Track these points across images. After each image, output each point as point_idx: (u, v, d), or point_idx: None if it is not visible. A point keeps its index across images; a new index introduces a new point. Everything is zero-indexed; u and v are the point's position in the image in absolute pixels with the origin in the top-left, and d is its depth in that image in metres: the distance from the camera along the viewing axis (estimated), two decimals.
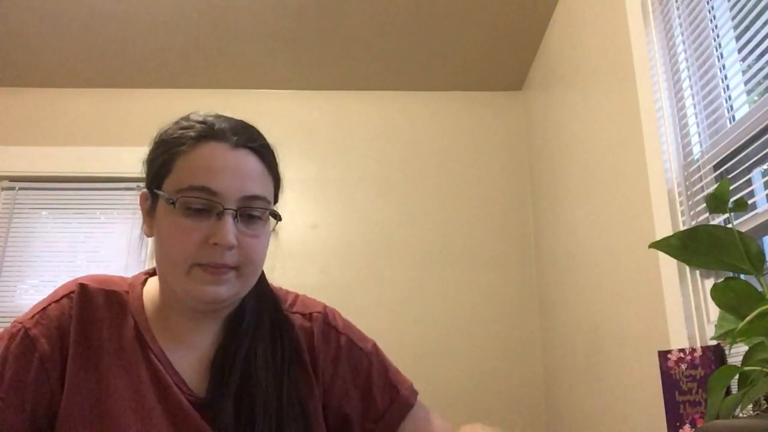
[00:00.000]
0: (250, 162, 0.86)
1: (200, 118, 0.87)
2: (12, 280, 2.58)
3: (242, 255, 0.83)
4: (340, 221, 2.69)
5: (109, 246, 2.62)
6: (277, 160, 0.93)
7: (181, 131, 0.86)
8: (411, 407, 0.97)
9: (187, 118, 0.88)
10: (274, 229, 0.92)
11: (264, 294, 0.94)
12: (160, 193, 0.84)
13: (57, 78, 2.74)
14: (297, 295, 1.00)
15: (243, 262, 0.84)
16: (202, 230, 0.81)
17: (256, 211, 0.85)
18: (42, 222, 2.69)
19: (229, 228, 0.81)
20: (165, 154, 0.85)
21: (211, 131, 0.85)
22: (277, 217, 0.90)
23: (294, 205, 2.72)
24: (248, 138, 0.87)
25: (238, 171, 0.84)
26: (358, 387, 0.94)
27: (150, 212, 0.87)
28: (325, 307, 1.00)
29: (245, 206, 0.84)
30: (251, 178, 0.85)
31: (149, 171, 0.88)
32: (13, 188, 2.68)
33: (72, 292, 0.88)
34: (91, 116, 2.77)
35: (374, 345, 0.99)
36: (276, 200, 0.93)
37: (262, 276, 0.95)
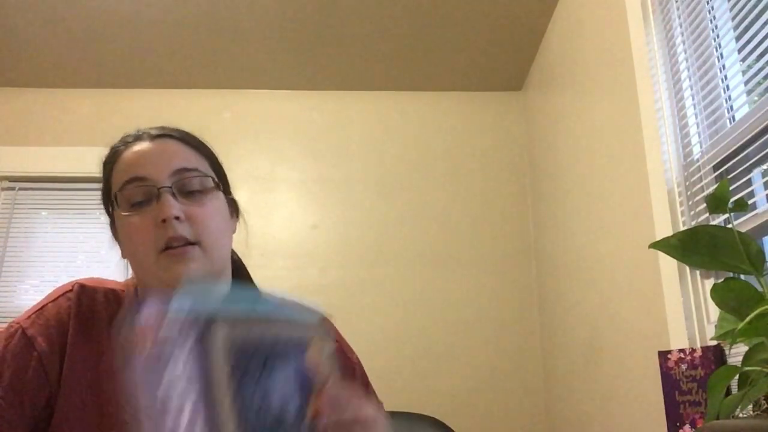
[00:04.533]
0: (171, 145, 0.90)
1: (125, 134, 0.92)
2: (12, 280, 2.58)
3: (195, 226, 0.85)
4: (340, 221, 2.69)
5: (109, 246, 2.62)
6: (207, 146, 0.95)
7: (113, 149, 0.91)
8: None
9: (118, 140, 0.93)
10: (238, 217, 0.96)
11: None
12: (110, 209, 0.89)
13: (57, 78, 2.74)
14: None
15: (200, 233, 0.85)
16: (149, 217, 0.84)
17: (192, 181, 0.88)
18: (42, 222, 2.69)
19: (170, 202, 0.84)
20: (105, 174, 0.91)
21: (132, 137, 0.91)
22: (221, 189, 0.92)
23: (294, 205, 2.72)
24: (165, 129, 0.91)
25: (160, 153, 0.88)
26: None
27: (115, 232, 0.91)
28: None
29: (178, 180, 0.86)
30: (176, 155, 0.88)
31: (102, 197, 0.92)
32: (13, 188, 2.68)
33: (69, 291, 0.89)
34: (91, 116, 2.77)
35: (359, 360, 1.02)
36: (222, 183, 0.94)
37: (245, 275, 0.97)
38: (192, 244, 0.84)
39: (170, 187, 0.85)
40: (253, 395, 0.68)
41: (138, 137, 0.90)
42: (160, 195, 0.84)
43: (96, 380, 0.84)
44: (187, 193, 0.87)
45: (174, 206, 0.83)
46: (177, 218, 0.83)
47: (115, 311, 0.90)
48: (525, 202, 2.73)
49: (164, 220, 0.82)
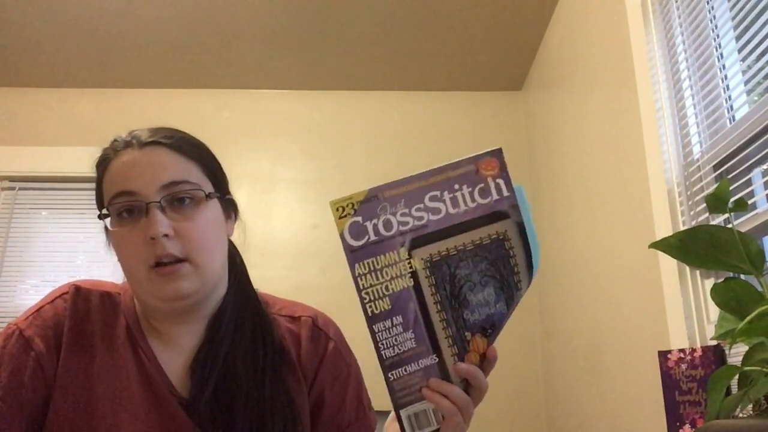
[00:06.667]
0: (160, 154, 0.86)
1: (116, 137, 0.90)
2: (12, 280, 2.58)
3: (185, 242, 0.84)
4: None
5: (108, 246, 2.62)
6: (201, 147, 0.92)
7: (103, 155, 0.89)
8: (372, 431, 0.98)
9: (109, 142, 0.91)
10: (236, 217, 0.94)
11: (245, 295, 0.95)
12: (102, 218, 0.88)
13: (57, 78, 2.74)
14: (288, 302, 1.00)
15: (190, 250, 0.84)
16: (139, 232, 0.83)
17: (181, 195, 0.85)
18: (42, 222, 2.70)
19: (157, 219, 0.82)
20: (97, 180, 0.89)
21: (122, 143, 0.88)
22: (214, 196, 0.89)
23: (294, 205, 2.72)
24: (154, 135, 0.88)
25: (149, 165, 0.85)
26: (333, 393, 0.94)
27: (109, 239, 0.89)
28: (317, 312, 0.99)
29: (167, 194, 0.84)
30: (164, 167, 0.86)
31: (96, 201, 0.91)
32: (13, 188, 2.68)
33: (65, 293, 0.89)
34: (91, 116, 2.77)
35: (356, 362, 1.00)
36: (218, 184, 0.92)
37: (244, 277, 0.96)
38: (182, 260, 0.83)
39: (159, 202, 0.83)
40: None
41: (128, 143, 0.87)
42: (148, 210, 0.82)
43: (89, 381, 0.85)
44: (176, 206, 0.85)
45: (162, 223, 0.82)
46: (166, 236, 0.82)
47: (108, 314, 0.90)
48: None
49: (153, 238, 0.81)
